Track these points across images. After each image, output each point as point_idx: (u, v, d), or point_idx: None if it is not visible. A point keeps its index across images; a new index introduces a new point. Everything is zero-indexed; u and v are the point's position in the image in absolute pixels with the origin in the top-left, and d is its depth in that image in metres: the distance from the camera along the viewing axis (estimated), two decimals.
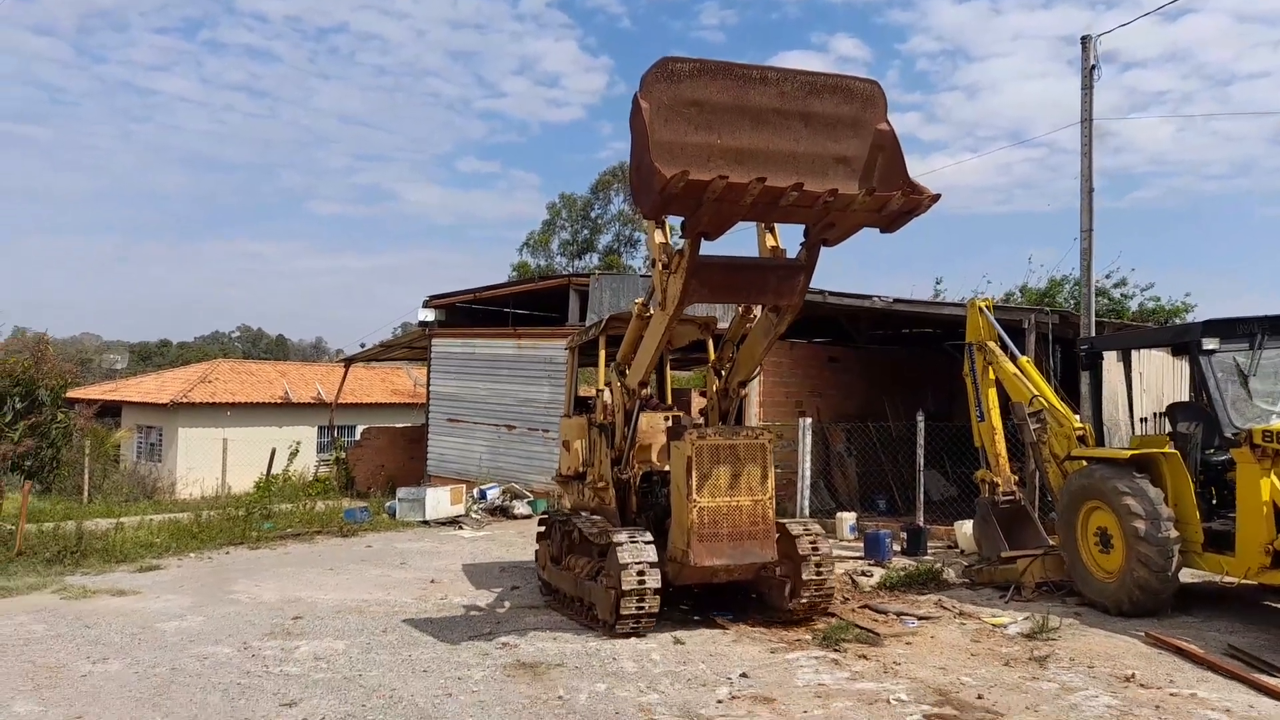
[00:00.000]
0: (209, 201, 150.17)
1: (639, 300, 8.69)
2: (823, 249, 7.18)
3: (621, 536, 7.80)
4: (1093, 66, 12.44)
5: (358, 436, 25.89)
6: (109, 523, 13.52)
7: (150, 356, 75.79)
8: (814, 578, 8.00)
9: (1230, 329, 8.14)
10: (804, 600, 8.04)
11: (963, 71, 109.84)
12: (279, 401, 29.42)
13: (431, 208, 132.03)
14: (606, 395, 9.01)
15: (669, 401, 10.34)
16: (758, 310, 8.23)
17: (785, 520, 8.43)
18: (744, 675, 6.61)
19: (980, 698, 6.11)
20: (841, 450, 17.50)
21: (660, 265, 7.40)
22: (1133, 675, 6.52)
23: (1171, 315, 30.31)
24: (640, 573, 7.52)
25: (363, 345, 25.41)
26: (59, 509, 16.44)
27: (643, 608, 7.52)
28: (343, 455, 23.37)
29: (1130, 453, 8.53)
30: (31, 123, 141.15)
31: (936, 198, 6.38)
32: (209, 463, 23.60)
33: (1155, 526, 7.93)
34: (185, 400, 27.21)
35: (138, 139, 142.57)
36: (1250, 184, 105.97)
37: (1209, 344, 7.91)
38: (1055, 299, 31.79)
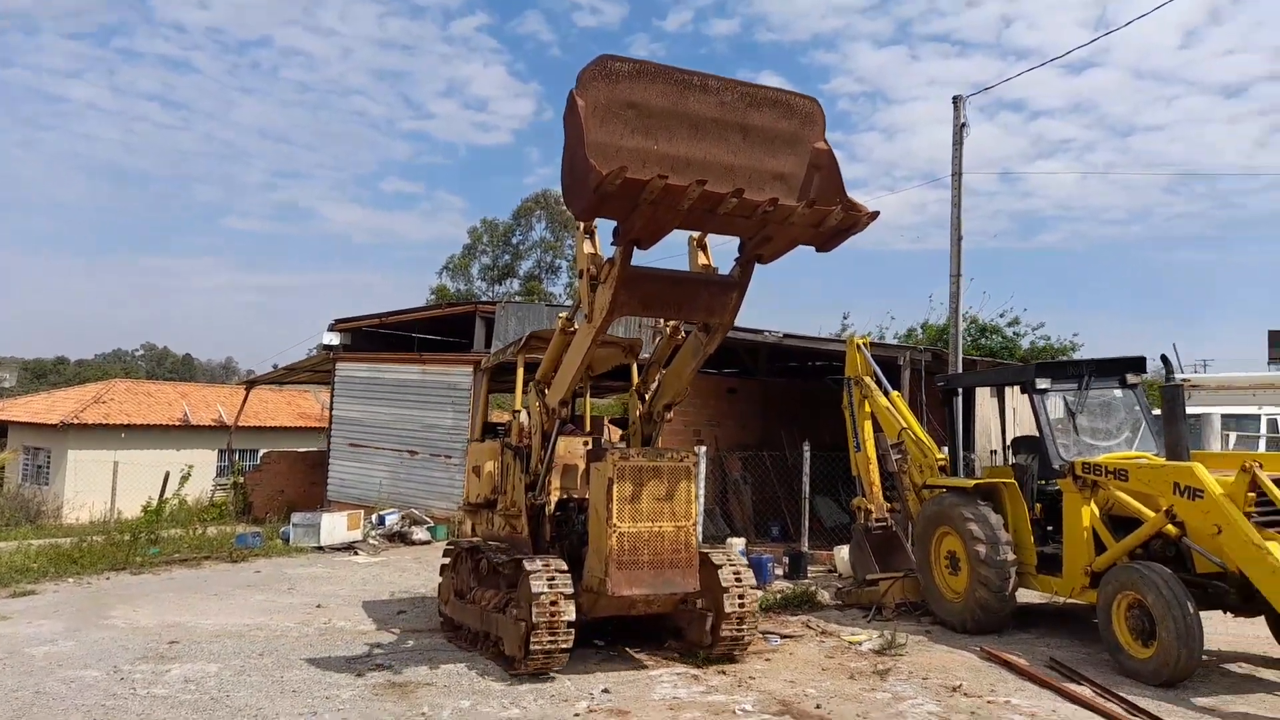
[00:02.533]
0: (118, 214, 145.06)
1: (563, 315, 8.40)
2: (758, 267, 7.08)
3: (535, 564, 7.32)
4: (962, 125, 13.42)
5: (259, 461, 25.42)
6: None
7: (45, 374, 72.47)
8: (737, 611, 7.60)
9: (1061, 370, 8.94)
10: (725, 635, 7.65)
11: (882, 113, 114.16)
12: (178, 424, 28.68)
13: (353, 227, 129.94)
14: (523, 417, 8.64)
15: (587, 428, 9.91)
16: (682, 333, 8.15)
17: (707, 549, 8.21)
18: (605, 691, 6.96)
19: (818, 707, 6.59)
20: (738, 478, 18.11)
21: (588, 276, 7.20)
22: (959, 686, 7.11)
23: (1060, 353, 32.12)
24: (554, 603, 7.05)
25: (275, 366, 25.02)
26: None
27: (555, 642, 7.05)
28: (240, 480, 22.92)
29: (974, 482, 9.24)
30: None
31: (874, 215, 6.34)
32: (99, 486, 22.80)
33: (995, 550, 8.62)
34: (76, 421, 26.32)
35: (43, 147, 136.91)
36: (1144, 230, 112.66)
37: (1041, 384, 8.67)
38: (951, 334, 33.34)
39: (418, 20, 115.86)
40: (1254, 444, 14.61)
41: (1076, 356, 30.76)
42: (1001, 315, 33.28)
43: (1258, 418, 15.30)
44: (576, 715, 6.39)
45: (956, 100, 13.53)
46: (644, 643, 8.35)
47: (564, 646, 7.12)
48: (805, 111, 6.61)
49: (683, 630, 8.18)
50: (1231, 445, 13.98)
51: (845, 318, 39.27)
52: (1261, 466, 6.78)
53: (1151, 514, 7.48)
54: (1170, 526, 7.33)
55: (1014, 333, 33.06)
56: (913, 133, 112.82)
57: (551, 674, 7.19)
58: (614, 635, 8.38)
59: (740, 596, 7.66)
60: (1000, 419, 11.73)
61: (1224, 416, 14.36)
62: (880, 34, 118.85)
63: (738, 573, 7.80)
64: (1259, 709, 6.47)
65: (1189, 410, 15.68)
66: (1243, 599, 7.05)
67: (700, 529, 15.47)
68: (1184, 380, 18.57)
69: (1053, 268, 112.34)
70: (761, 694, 6.93)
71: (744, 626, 7.69)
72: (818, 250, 6.66)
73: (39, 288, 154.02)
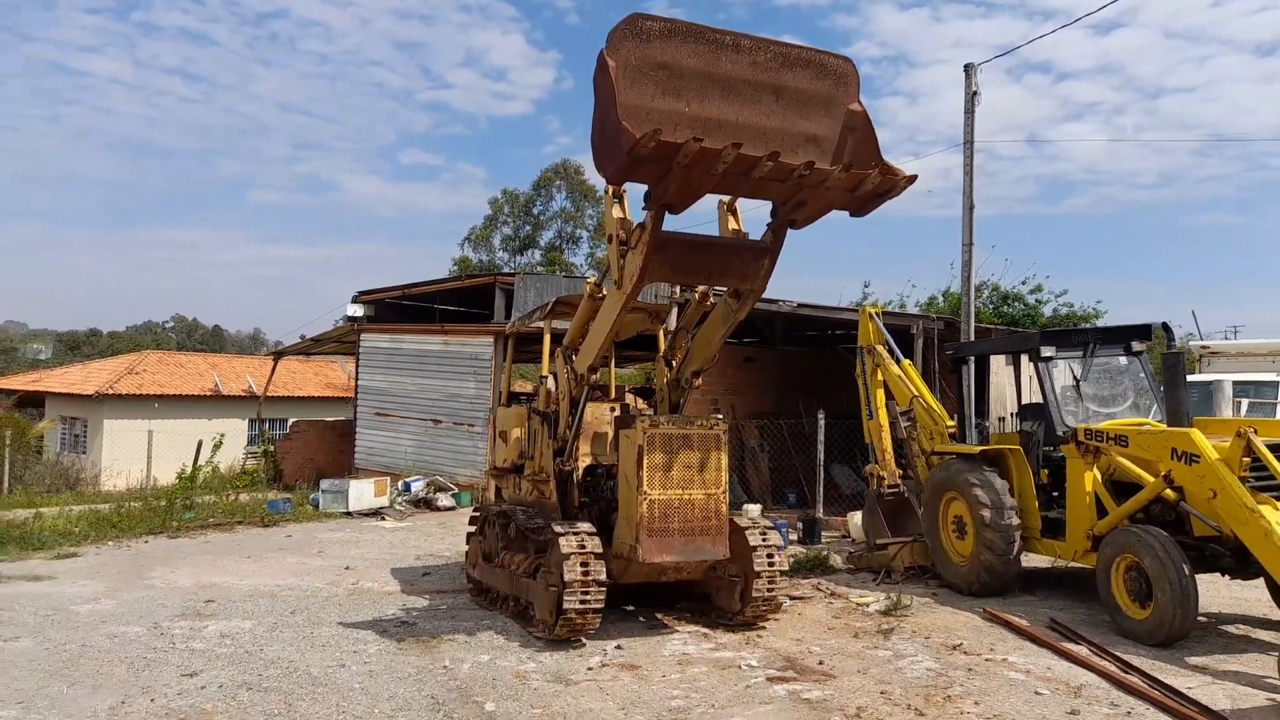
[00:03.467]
0: (142, 188, 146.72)
1: (591, 279, 8.33)
2: (789, 232, 6.95)
3: (565, 531, 7.34)
4: (974, 93, 13.41)
5: (289, 429, 26.02)
6: (28, 513, 13.69)
7: (79, 346, 73.87)
8: (766, 570, 7.65)
9: (1066, 339, 9.07)
10: (756, 596, 7.69)
11: (905, 77, 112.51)
12: (209, 394, 29.34)
13: (374, 199, 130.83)
14: (550, 382, 8.56)
15: (613, 394, 9.89)
16: (711, 299, 8.05)
17: (733, 515, 8.10)
18: (618, 647, 7.28)
19: (821, 663, 6.88)
20: (755, 446, 18.35)
21: (618, 241, 7.06)
22: (959, 644, 7.37)
23: (1083, 320, 31.95)
24: (585, 567, 7.06)
25: (303, 337, 25.49)
26: None
27: (586, 605, 7.04)
28: (271, 448, 23.52)
29: (981, 448, 9.42)
30: None
31: (912, 179, 6.19)
32: (134, 455, 23.49)
33: (1000, 515, 8.82)
34: (111, 391, 27.02)
35: (67, 122, 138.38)
36: (1174, 194, 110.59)
37: (1046, 351, 8.81)
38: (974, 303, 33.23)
39: None
40: (1270, 410, 14.60)
41: (1099, 324, 30.62)
42: (1024, 283, 33.07)
43: (1275, 385, 15.25)
44: (589, 669, 6.72)
45: (968, 68, 13.51)
46: (672, 609, 8.44)
47: (595, 611, 7.12)
48: (839, 72, 6.44)
49: (711, 597, 8.23)
50: (1244, 412, 13.99)
51: (866, 285, 39.33)
52: (1257, 432, 6.92)
53: (1151, 479, 7.65)
54: (1169, 491, 7.50)
55: (1036, 300, 32.85)
56: (936, 97, 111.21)
57: (583, 640, 7.26)
58: (643, 601, 8.47)
59: (769, 555, 7.72)
60: (1016, 386, 11.88)
61: (1236, 383, 14.34)
62: None
63: (765, 534, 7.88)
64: (1250, 668, 6.67)
65: (1204, 377, 15.69)
66: (1238, 562, 7.22)
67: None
68: (1203, 347, 18.56)
69: (1080, 233, 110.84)
70: (767, 651, 7.23)
71: (774, 587, 7.73)
72: (852, 215, 6.51)
73: (69, 261, 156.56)
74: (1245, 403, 14.08)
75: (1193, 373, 18.76)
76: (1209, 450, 7.07)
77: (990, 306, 33.32)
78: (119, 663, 6.78)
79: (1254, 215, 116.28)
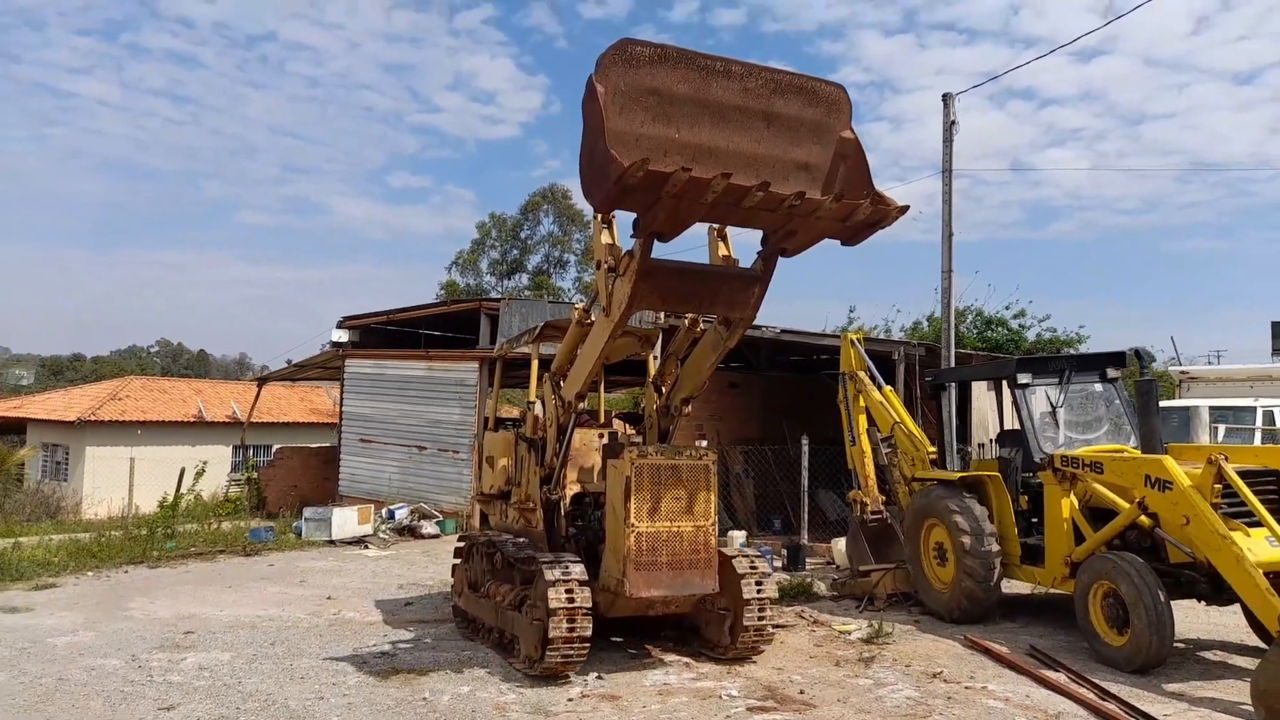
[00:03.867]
0: (129, 209, 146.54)
1: (579, 305, 8.25)
2: (780, 259, 6.92)
3: (550, 562, 7.23)
4: (952, 122, 13.63)
5: (273, 456, 25.88)
6: (6, 543, 13.55)
7: (62, 371, 73.39)
8: (755, 611, 7.52)
9: (1043, 366, 9.19)
10: (745, 635, 7.55)
11: (890, 102, 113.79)
12: (192, 420, 29.17)
13: (363, 221, 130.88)
14: (538, 408, 8.44)
15: (602, 419, 9.69)
16: (701, 326, 7.99)
17: (723, 547, 7.99)
18: (599, 677, 7.26)
19: (802, 693, 6.89)
20: (740, 472, 18.39)
21: (606, 268, 7.00)
22: (940, 672, 7.40)
23: (1065, 345, 32.25)
24: (571, 603, 6.91)
25: (289, 362, 25.44)
26: None
27: (572, 644, 6.90)
28: (254, 475, 23.37)
29: (960, 475, 9.49)
30: None
31: (904, 209, 6.15)
32: (116, 482, 23.29)
33: (979, 541, 8.87)
34: (93, 418, 26.84)
35: (54, 143, 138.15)
36: (1156, 219, 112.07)
37: (1023, 378, 8.92)
38: (958, 328, 33.50)
39: (424, 13, 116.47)
40: (1249, 436, 14.76)
41: (1082, 349, 30.89)
42: (1007, 308, 33.38)
43: (1253, 410, 15.43)
44: (570, 700, 6.70)
45: (946, 98, 13.73)
46: (661, 640, 8.34)
47: (582, 646, 6.98)
48: (831, 99, 6.39)
49: (701, 630, 8.12)
50: (1220, 438, 14.14)
51: (852, 310, 39.50)
52: (1228, 459, 7.02)
53: (1126, 505, 7.73)
54: (1144, 518, 7.57)
55: (1019, 325, 33.13)
56: (921, 123, 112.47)
57: (569, 674, 7.11)
58: (631, 632, 8.37)
59: (758, 584, 7.58)
60: (998, 411, 11.95)
61: (1213, 409, 14.51)
62: (887, 23, 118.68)
63: (754, 565, 7.77)
64: (1226, 694, 6.72)
65: (1182, 402, 15.86)
66: (1213, 588, 7.29)
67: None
68: (1182, 372, 18.76)
69: (1064, 258, 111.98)
70: (748, 680, 7.23)
71: (764, 624, 7.59)
72: (844, 244, 6.46)
73: (53, 284, 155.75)
74: (1222, 428, 14.23)
75: (1173, 398, 18.96)
76: (1181, 477, 7.16)
77: (974, 331, 33.59)
78: (95, 696, 6.72)
79: (1235, 240, 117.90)
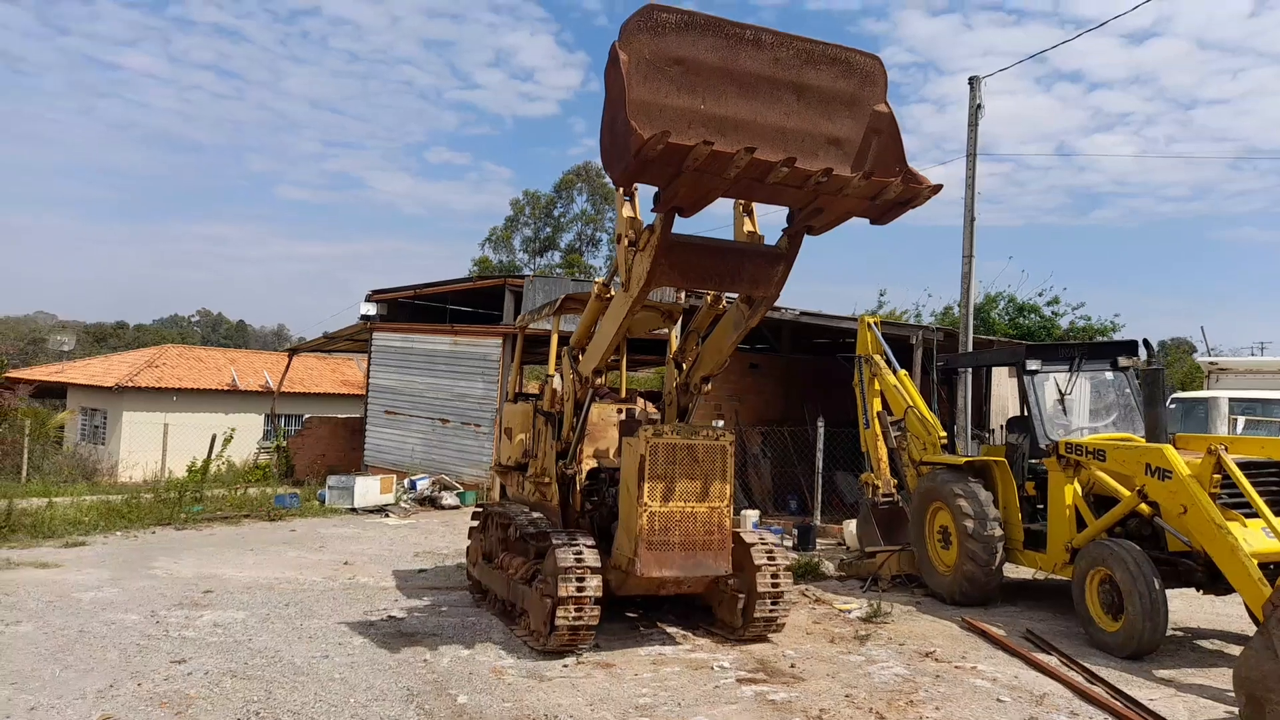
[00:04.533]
0: (173, 182, 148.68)
1: (599, 279, 8.06)
2: (806, 238, 6.72)
3: (562, 539, 7.28)
4: (978, 105, 13.48)
5: (303, 425, 26.42)
6: (41, 502, 14.06)
7: (106, 338, 75.07)
8: (770, 591, 7.47)
9: (1052, 353, 9.15)
10: (758, 617, 7.52)
11: (933, 84, 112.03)
12: (226, 388, 29.82)
13: (402, 197, 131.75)
14: (556, 381, 8.39)
15: (623, 394, 9.60)
16: (724, 303, 7.88)
17: (739, 530, 7.92)
18: (596, 645, 7.44)
19: (793, 666, 7.01)
20: (757, 452, 18.48)
21: (626, 242, 6.87)
22: (932, 652, 7.48)
23: (1099, 333, 31.83)
24: (581, 583, 6.94)
25: (325, 334, 25.90)
26: None
27: (580, 620, 6.93)
28: (284, 443, 23.90)
29: (966, 459, 9.51)
30: None
31: (937, 189, 5.93)
32: (151, 447, 23.99)
33: (982, 525, 8.91)
34: (130, 384, 27.54)
35: (100, 114, 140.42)
36: (1205, 207, 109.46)
37: (1032, 365, 8.90)
38: (990, 314, 33.23)
39: None
40: (1275, 429, 14.53)
41: (1117, 337, 30.47)
42: (1040, 294, 33.02)
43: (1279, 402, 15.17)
44: (565, 665, 6.89)
45: (973, 81, 13.58)
46: (677, 619, 8.34)
47: (590, 625, 6.99)
48: (866, 70, 6.10)
49: (713, 609, 8.11)
50: (1240, 429, 13.95)
51: (882, 293, 39.29)
52: (1228, 449, 6.99)
53: (1127, 493, 7.72)
54: (1144, 506, 7.57)
55: (1053, 312, 32.78)
56: (964, 105, 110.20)
57: (578, 649, 7.17)
58: (643, 607, 8.46)
59: (774, 576, 7.49)
60: (1020, 398, 11.91)
61: (1234, 400, 14.30)
62: (933, 2, 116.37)
63: (770, 552, 7.64)
64: (1216, 682, 6.74)
65: (1202, 394, 15.64)
66: (1210, 577, 7.28)
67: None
68: (1211, 363, 18.48)
69: (1105, 245, 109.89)
70: (742, 653, 7.37)
71: (777, 607, 7.54)
72: (873, 223, 6.29)
73: (99, 254, 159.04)
74: (1242, 420, 14.03)
75: (1201, 388, 18.67)
76: (1181, 466, 7.14)
77: (1006, 318, 33.25)
78: (113, 648, 7.03)
79: None
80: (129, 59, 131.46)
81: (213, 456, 16.58)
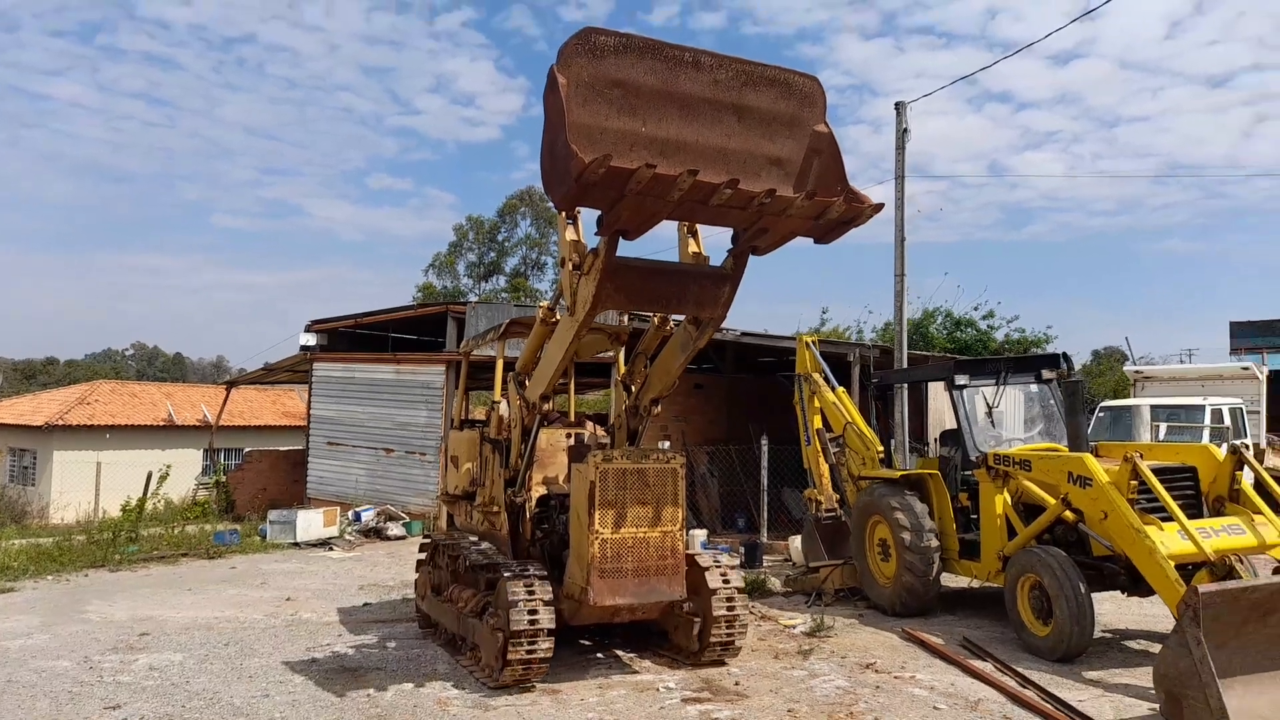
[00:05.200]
0: (104, 212, 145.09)
1: (544, 304, 7.98)
2: (751, 258, 6.75)
3: (512, 570, 7.17)
4: (904, 130, 13.92)
5: (243, 459, 25.86)
6: None
7: (35, 375, 72.66)
8: (725, 615, 7.43)
9: (979, 367, 9.47)
10: (714, 641, 7.48)
11: (869, 105, 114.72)
12: (162, 424, 29.07)
13: (342, 224, 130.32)
14: (503, 408, 8.27)
15: (572, 418, 9.46)
16: (670, 325, 7.87)
17: (693, 551, 7.91)
18: (543, 677, 7.44)
19: (737, 684, 7.11)
20: (705, 472, 18.63)
21: (570, 266, 6.80)
22: (873, 663, 7.65)
23: (1033, 345, 32.79)
24: (533, 616, 6.82)
25: (266, 364, 25.45)
26: None
27: (534, 653, 6.83)
28: (223, 479, 23.37)
29: (902, 473, 9.76)
30: None
31: (879, 208, 5.99)
32: (84, 487, 23.23)
33: (919, 537, 9.14)
34: (61, 422, 26.71)
35: (27, 145, 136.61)
36: (1132, 221, 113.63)
37: (960, 379, 9.20)
38: (928, 328, 34.03)
39: (404, 15, 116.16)
40: (1197, 434, 15.16)
41: (1049, 349, 31.40)
42: (976, 309, 33.95)
43: (1202, 408, 15.85)
44: (511, 694, 6.88)
45: (899, 106, 14.04)
46: (631, 644, 8.29)
47: (544, 659, 6.91)
48: (805, 91, 6.16)
49: (669, 634, 8.03)
50: (1162, 435, 14.53)
51: (825, 311, 39.89)
52: (1142, 456, 7.31)
53: (1052, 501, 8.01)
54: (1068, 513, 7.86)
55: (988, 325, 33.73)
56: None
57: (531, 684, 7.04)
58: (600, 636, 8.40)
59: (729, 599, 7.45)
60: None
61: (1154, 407, 14.90)
62: (866, 26, 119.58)
63: (725, 575, 7.60)
64: (1141, 680, 6.98)
65: (1125, 402, 16.25)
66: (1132, 580, 7.57)
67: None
68: (1137, 371, 19.21)
69: (1038, 259, 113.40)
70: (688, 674, 7.44)
71: (733, 630, 7.50)
72: (816, 242, 6.29)
73: (28, 287, 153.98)
74: (1164, 426, 14.62)
75: (1126, 396, 19.38)
76: (1100, 474, 7.44)
77: (944, 332, 34.08)
78: (43, 697, 6.84)
79: (1210, 241, 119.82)
80: (56, 88, 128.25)
81: (148, 494, 16.14)
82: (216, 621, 9.60)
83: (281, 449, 25.84)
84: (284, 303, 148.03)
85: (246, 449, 27.12)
